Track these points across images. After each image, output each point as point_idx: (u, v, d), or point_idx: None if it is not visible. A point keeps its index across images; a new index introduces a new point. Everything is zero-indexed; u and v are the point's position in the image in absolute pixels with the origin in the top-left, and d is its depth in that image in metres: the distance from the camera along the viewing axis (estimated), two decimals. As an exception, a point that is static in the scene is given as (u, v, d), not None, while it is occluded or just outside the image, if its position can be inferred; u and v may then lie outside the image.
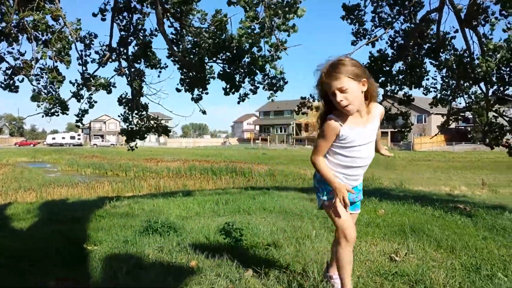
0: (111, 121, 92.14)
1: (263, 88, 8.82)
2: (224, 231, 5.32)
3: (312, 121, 68.20)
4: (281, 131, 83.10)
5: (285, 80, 8.68)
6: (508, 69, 8.39)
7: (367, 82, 2.46)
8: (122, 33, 9.67)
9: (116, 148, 66.21)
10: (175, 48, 9.28)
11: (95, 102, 9.29)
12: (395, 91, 9.90)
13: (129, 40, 9.75)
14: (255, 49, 7.26)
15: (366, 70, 2.48)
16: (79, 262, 4.44)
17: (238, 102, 9.27)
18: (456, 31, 9.22)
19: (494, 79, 8.56)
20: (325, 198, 2.78)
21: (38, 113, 8.14)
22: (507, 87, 8.62)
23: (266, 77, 8.77)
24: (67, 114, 8.52)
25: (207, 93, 9.83)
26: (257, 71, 8.51)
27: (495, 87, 8.83)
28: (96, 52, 9.56)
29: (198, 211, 8.26)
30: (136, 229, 5.86)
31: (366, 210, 7.73)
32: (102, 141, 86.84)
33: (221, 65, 9.00)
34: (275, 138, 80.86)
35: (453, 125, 11.66)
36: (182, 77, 9.60)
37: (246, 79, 8.90)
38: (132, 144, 10.76)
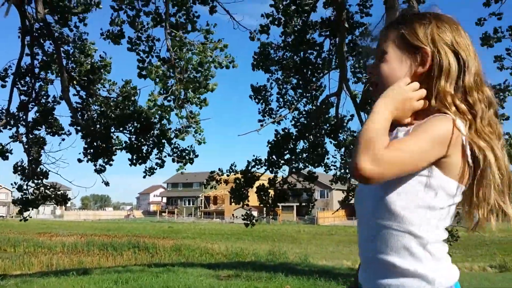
0: (2, 190, 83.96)
1: (173, 160, 8.75)
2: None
3: (220, 194, 68.24)
4: (189, 204, 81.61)
5: (196, 154, 8.71)
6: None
7: (430, 57, 1.20)
8: (23, 98, 9.20)
9: (6, 220, 59.95)
10: (79, 116, 8.97)
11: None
12: (300, 168, 10.36)
13: (30, 106, 9.27)
14: (165, 121, 7.29)
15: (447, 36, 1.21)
16: None
17: (144, 177, 9.07)
18: (353, 115, 10.11)
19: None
20: None
21: None
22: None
23: (176, 149, 8.74)
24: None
25: (111, 165, 9.49)
26: (165, 143, 8.47)
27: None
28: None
29: (94, 291, 7.60)
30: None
31: (273, 287, 7.68)
32: (-11, 212, 78.35)
33: (128, 135, 8.84)
34: (183, 210, 79.07)
35: (352, 201, 12.30)
36: (86, 146, 9.21)
37: (154, 151, 8.79)
38: (26, 214, 9.85)
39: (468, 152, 1.13)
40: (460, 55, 1.19)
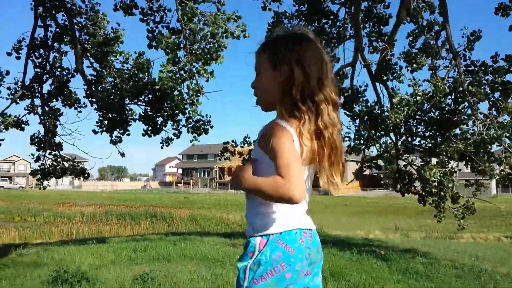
0: (21, 162, 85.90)
1: (187, 131, 8.75)
2: (141, 280, 5.08)
3: (235, 165, 68.44)
4: (204, 175, 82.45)
5: (211, 124, 8.68)
6: (414, 121, 9.12)
7: (287, 71, 1.60)
8: (37, 70, 9.24)
9: (26, 191, 61.47)
10: (94, 88, 9.01)
11: (2, 140, 8.65)
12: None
13: (45, 78, 9.32)
14: (176, 92, 7.27)
15: (308, 52, 1.62)
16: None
17: (161, 147, 9.09)
18: (367, 85, 9.96)
19: (402, 130, 9.23)
20: None
21: None
22: (414, 137, 9.33)
23: (190, 119, 8.72)
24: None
25: (128, 135, 9.56)
26: (180, 114, 8.47)
27: (403, 137, 9.51)
28: (8, 89, 9.00)
29: (113, 259, 7.82)
30: (44, 280, 5.43)
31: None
32: (10, 183, 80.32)
33: (143, 107, 8.86)
34: (198, 181, 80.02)
35: (367, 172, 12.30)
36: (101, 118, 9.28)
37: (169, 122, 8.81)
38: (46, 183, 10.05)
39: (297, 143, 1.52)
40: (305, 68, 1.57)
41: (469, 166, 8.32)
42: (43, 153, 9.80)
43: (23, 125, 8.79)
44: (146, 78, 8.51)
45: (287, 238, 1.55)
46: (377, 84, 9.23)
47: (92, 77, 9.30)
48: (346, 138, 10.35)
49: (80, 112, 9.69)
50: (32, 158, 9.88)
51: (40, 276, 5.84)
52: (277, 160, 1.48)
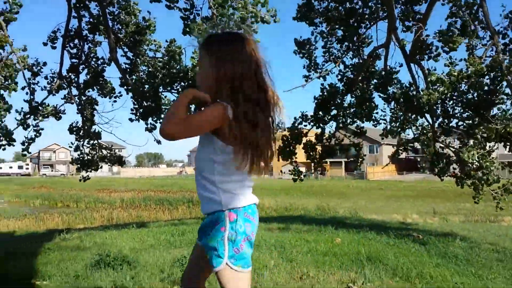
0: (61, 150, 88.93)
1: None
2: (180, 263, 5.22)
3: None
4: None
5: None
6: (451, 102, 8.85)
7: (223, 69, 1.80)
8: (73, 60, 9.48)
9: (67, 178, 63.71)
10: (128, 77, 9.17)
11: (42, 129, 8.95)
12: (348, 123, 10.17)
13: (81, 68, 9.55)
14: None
15: (236, 51, 1.81)
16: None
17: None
18: (402, 65, 9.71)
19: (438, 111, 8.99)
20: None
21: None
22: (451, 119, 9.07)
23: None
24: (14, 146, 8.12)
25: (161, 123, 9.70)
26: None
27: (440, 119, 9.26)
28: (45, 78, 9.30)
29: (153, 243, 8.04)
30: (88, 263, 5.65)
31: (322, 239, 7.80)
32: (52, 170, 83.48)
33: (176, 95, 8.96)
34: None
35: (403, 155, 12.08)
36: (136, 106, 9.46)
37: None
38: (85, 174, 10.37)
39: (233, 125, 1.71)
40: (226, 68, 1.76)
41: (508, 147, 8.03)
42: (82, 142, 10.09)
43: (60, 114, 9.06)
44: (179, 66, 8.59)
45: (250, 211, 1.84)
46: (412, 65, 8.99)
47: (127, 66, 9.46)
48: (381, 121, 10.18)
49: (115, 101, 9.91)
50: (71, 147, 10.20)
51: (83, 260, 6.07)
52: (201, 111, 1.78)
